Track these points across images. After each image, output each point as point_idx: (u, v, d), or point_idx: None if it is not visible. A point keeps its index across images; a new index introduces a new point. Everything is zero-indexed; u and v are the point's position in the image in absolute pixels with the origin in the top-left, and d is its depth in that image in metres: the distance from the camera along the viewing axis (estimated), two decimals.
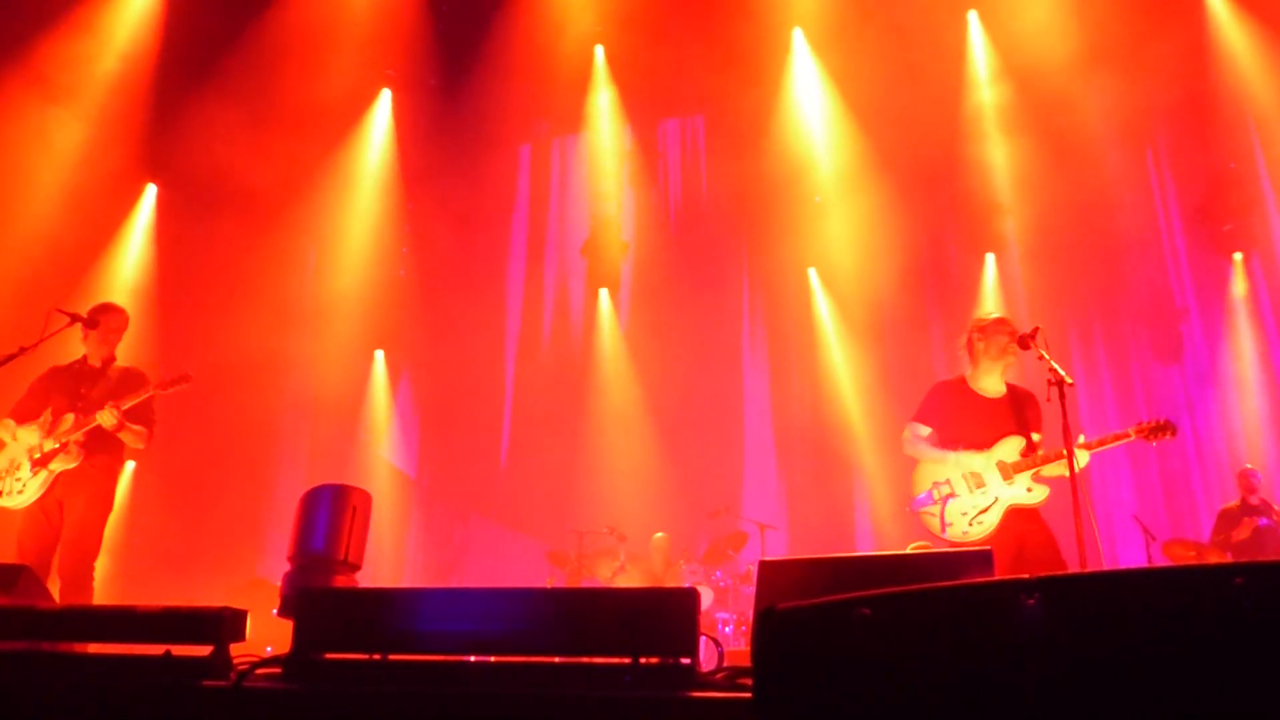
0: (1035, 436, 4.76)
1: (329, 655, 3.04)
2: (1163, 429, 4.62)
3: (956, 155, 10.18)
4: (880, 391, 10.10)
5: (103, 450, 5.37)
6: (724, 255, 11.23)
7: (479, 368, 11.20)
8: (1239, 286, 10.26)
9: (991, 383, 4.95)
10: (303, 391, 10.23)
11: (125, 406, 5.26)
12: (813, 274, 10.84)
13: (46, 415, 5.36)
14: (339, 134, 10.57)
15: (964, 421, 4.81)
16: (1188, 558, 7.54)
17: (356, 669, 3.00)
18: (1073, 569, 4.46)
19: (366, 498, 3.61)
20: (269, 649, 5.31)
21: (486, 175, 11.25)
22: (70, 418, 5.31)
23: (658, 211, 11.58)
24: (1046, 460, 4.63)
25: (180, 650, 2.96)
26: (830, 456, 10.00)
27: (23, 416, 5.42)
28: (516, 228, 12.07)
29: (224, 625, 3.01)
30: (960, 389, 4.97)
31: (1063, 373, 4.59)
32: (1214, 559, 7.47)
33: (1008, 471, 4.66)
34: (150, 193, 10.20)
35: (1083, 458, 4.51)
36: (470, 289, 11.30)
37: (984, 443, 4.75)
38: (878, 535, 9.40)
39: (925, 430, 4.89)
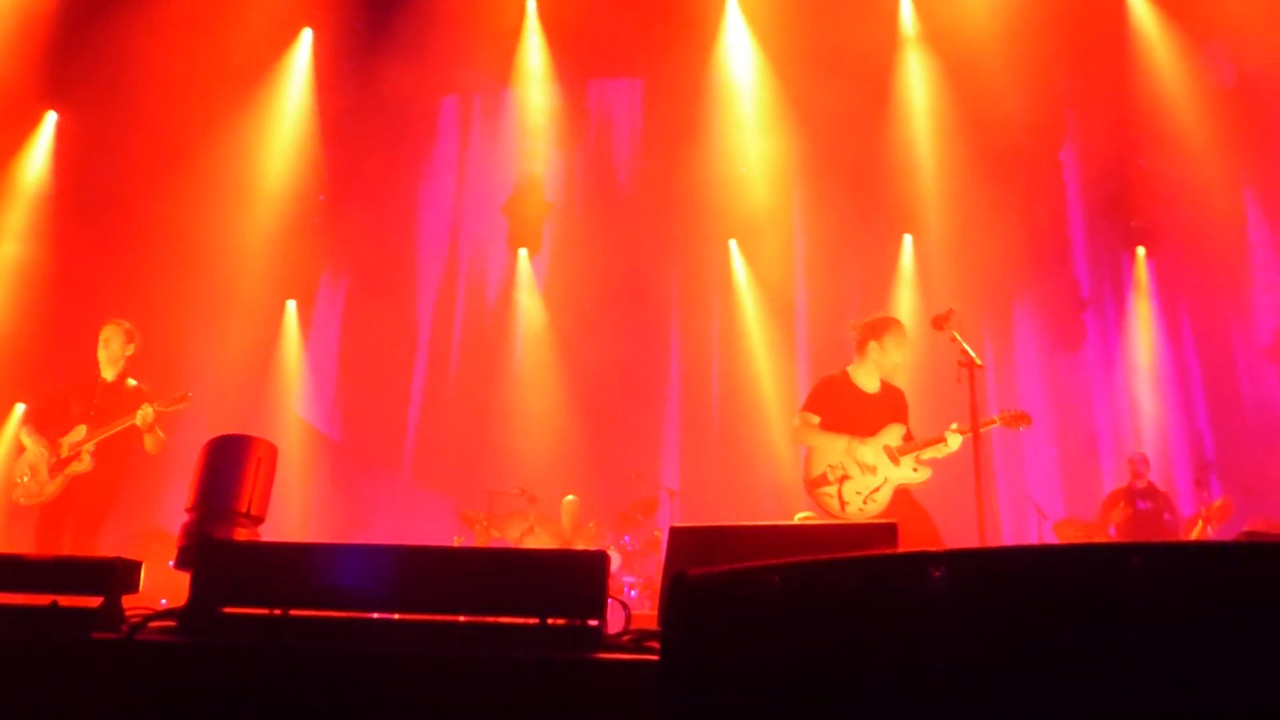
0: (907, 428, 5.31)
1: (227, 609, 2.95)
2: (1021, 418, 5.13)
3: (880, 134, 10.30)
4: (795, 365, 10.25)
5: (110, 458, 6.06)
6: (648, 221, 11.17)
7: (393, 322, 10.99)
8: (1141, 279, 10.67)
9: (871, 379, 5.41)
10: (209, 339, 9.89)
11: (149, 414, 5.88)
12: (733, 245, 10.87)
13: (78, 430, 6.05)
14: (256, 72, 10.16)
15: (849, 412, 5.26)
16: (1075, 537, 7.88)
17: (255, 624, 2.93)
18: (973, 545, 4.61)
19: (272, 450, 3.51)
20: (164, 601, 5.17)
21: (409, 125, 10.98)
22: (83, 428, 6.03)
23: (583, 173, 11.47)
24: (927, 444, 5.12)
25: (70, 601, 2.84)
26: (744, 427, 10.11)
27: (42, 423, 6.20)
28: (437, 181, 11.83)
29: (115, 576, 2.90)
30: (844, 383, 5.42)
31: (973, 354, 4.76)
32: (1099, 539, 7.80)
33: (894, 455, 5.14)
34: (50, 121, 9.69)
35: (955, 441, 5.02)
36: (387, 242, 11.03)
37: (868, 430, 5.20)
38: (786, 506, 9.55)
39: (816, 419, 5.28)
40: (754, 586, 2.18)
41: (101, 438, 5.97)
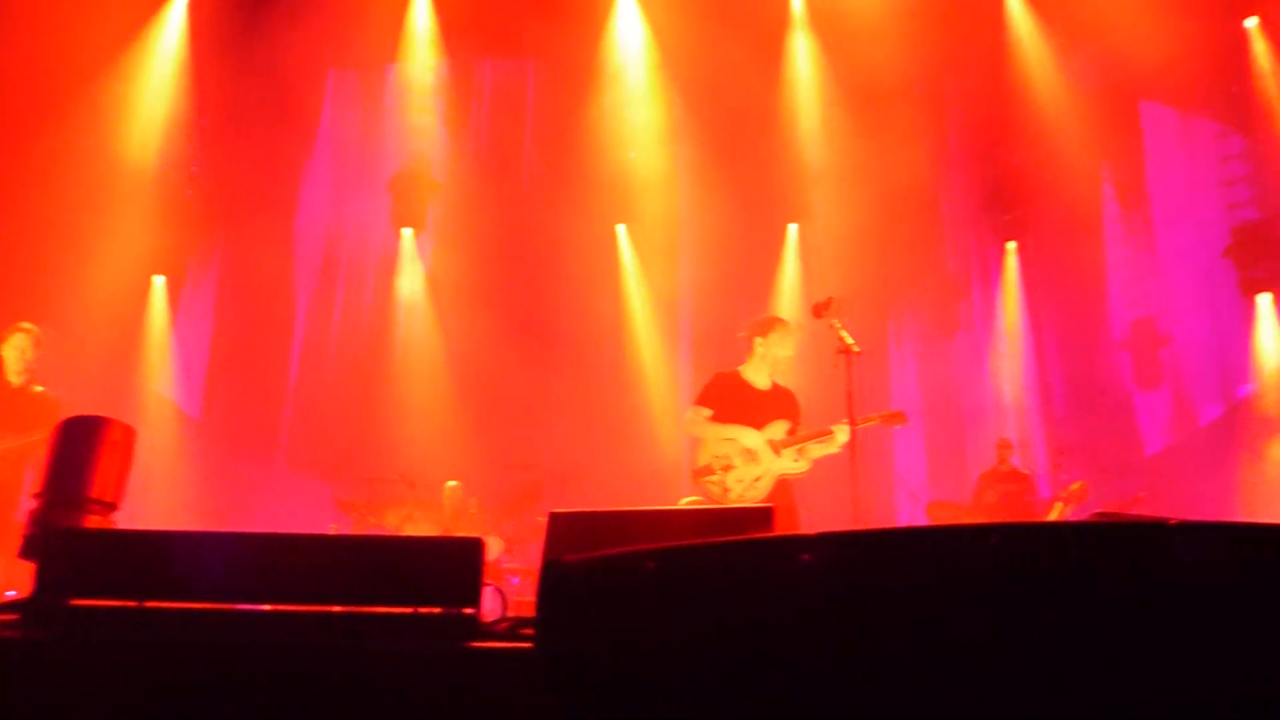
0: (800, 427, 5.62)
1: (77, 601, 2.79)
2: (897, 417, 5.64)
3: (769, 123, 10.44)
4: (679, 352, 10.32)
5: (13, 464, 5.87)
6: (536, 204, 11.07)
7: (269, 301, 10.59)
8: (1010, 271, 11.15)
9: (762, 377, 5.72)
10: (67, 315, 9.33)
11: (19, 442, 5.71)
12: (621, 230, 10.87)
13: None
14: (126, 30, 9.58)
15: (739, 406, 5.56)
16: (947, 519, 8.19)
17: (108, 616, 2.78)
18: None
19: (129, 432, 3.33)
20: (11, 593, 4.87)
21: (292, 96, 10.56)
22: None
23: (472, 153, 11.27)
24: (808, 438, 5.47)
25: None
26: (630, 413, 10.13)
27: None
28: (320, 156, 11.44)
29: None
30: (736, 380, 5.72)
31: (850, 341, 4.90)
32: (970, 520, 8.12)
33: (777, 448, 5.45)
34: None
35: (843, 436, 5.34)
36: (264, 217, 10.59)
37: (756, 425, 5.50)
38: (672, 492, 9.62)
39: (707, 412, 5.59)
40: (627, 573, 2.17)
41: (12, 446, 5.81)
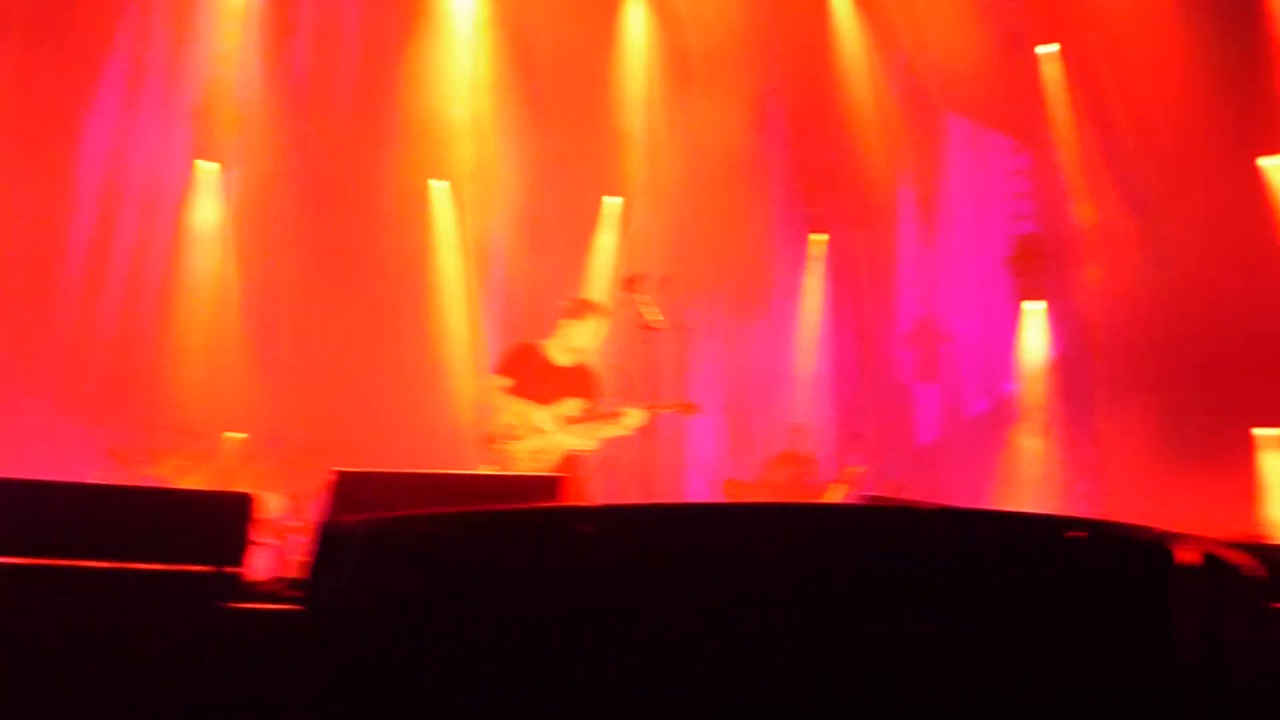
0: (597, 404, 5.71)
1: None
2: (690, 407, 5.80)
3: (597, 88, 10.42)
4: (487, 313, 10.16)
5: None
6: (350, 147, 10.57)
7: (45, 235, 9.64)
8: (815, 261, 11.67)
9: (564, 354, 5.72)
10: None
11: None
12: (436, 183, 10.57)
13: None
14: None
15: (537, 380, 5.57)
16: (739, 498, 8.49)
17: None
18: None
19: None
20: None
21: (78, 12, 9.64)
22: None
23: (287, 87, 10.61)
24: (600, 418, 5.55)
25: None
26: (430, 370, 9.88)
27: None
28: (111, 77, 10.48)
29: None
30: (538, 353, 5.72)
31: (656, 318, 4.99)
32: (759, 500, 8.46)
33: (566, 424, 5.53)
34: None
35: (634, 418, 5.46)
36: (44, 145, 9.61)
37: (546, 399, 5.52)
38: (466, 456, 9.49)
39: (505, 382, 5.59)
40: (402, 536, 2.13)
41: None
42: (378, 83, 10.46)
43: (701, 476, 9.54)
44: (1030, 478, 10.70)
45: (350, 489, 3.26)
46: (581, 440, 5.50)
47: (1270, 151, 10.09)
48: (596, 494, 5.44)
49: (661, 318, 5.18)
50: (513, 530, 2.12)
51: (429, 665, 2.08)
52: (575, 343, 5.69)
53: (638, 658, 2.00)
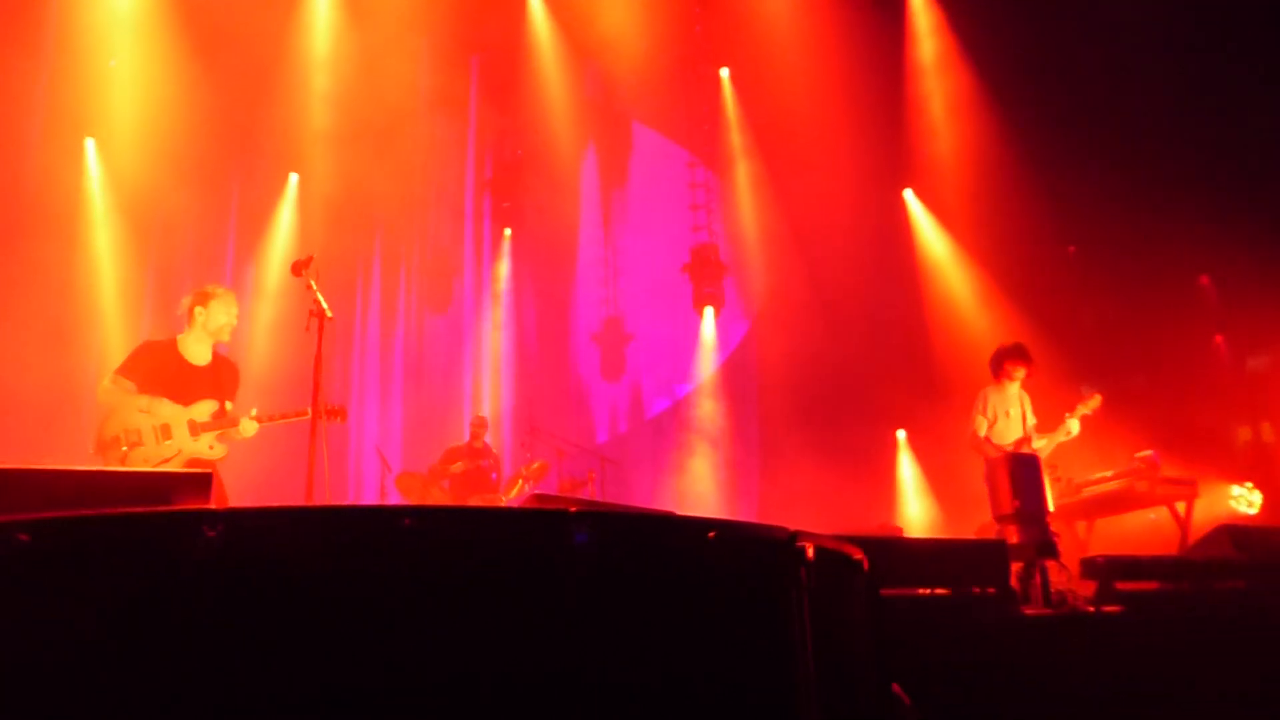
0: (229, 405, 5.24)
1: None
2: (336, 413, 5.23)
3: (279, 59, 9.84)
4: (144, 293, 9.27)
5: None
6: None
7: None
8: (503, 256, 11.74)
9: (200, 351, 5.27)
10: None
11: None
12: (90, 144, 9.49)
13: None
14: None
15: (168, 381, 5.09)
16: (414, 489, 8.33)
17: None
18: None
19: None
20: None
21: None
22: None
23: None
24: (223, 425, 5.12)
25: None
26: (77, 355, 8.81)
27: None
28: None
29: None
30: (169, 350, 5.22)
31: (325, 305, 4.76)
32: (435, 490, 8.35)
33: (196, 429, 5.07)
34: None
35: (249, 428, 5.13)
36: None
37: (182, 401, 5.08)
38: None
39: (129, 384, 5.04)
40: None
41: None
42: (23, 34, 9.23)
43: (379, 469, 9.23)
44: (700, 476, 11.39)
45: None
46: (206, 450, 5.06)
47: (910, 184, 11.45)
48: (255, 489, 5.04)
49: (327, 305, 4.87)
50: (132, 534, 1.92)
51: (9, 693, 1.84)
52: (212, 332, 5.21)
53: (260, 669, 1.88)
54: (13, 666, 1.83)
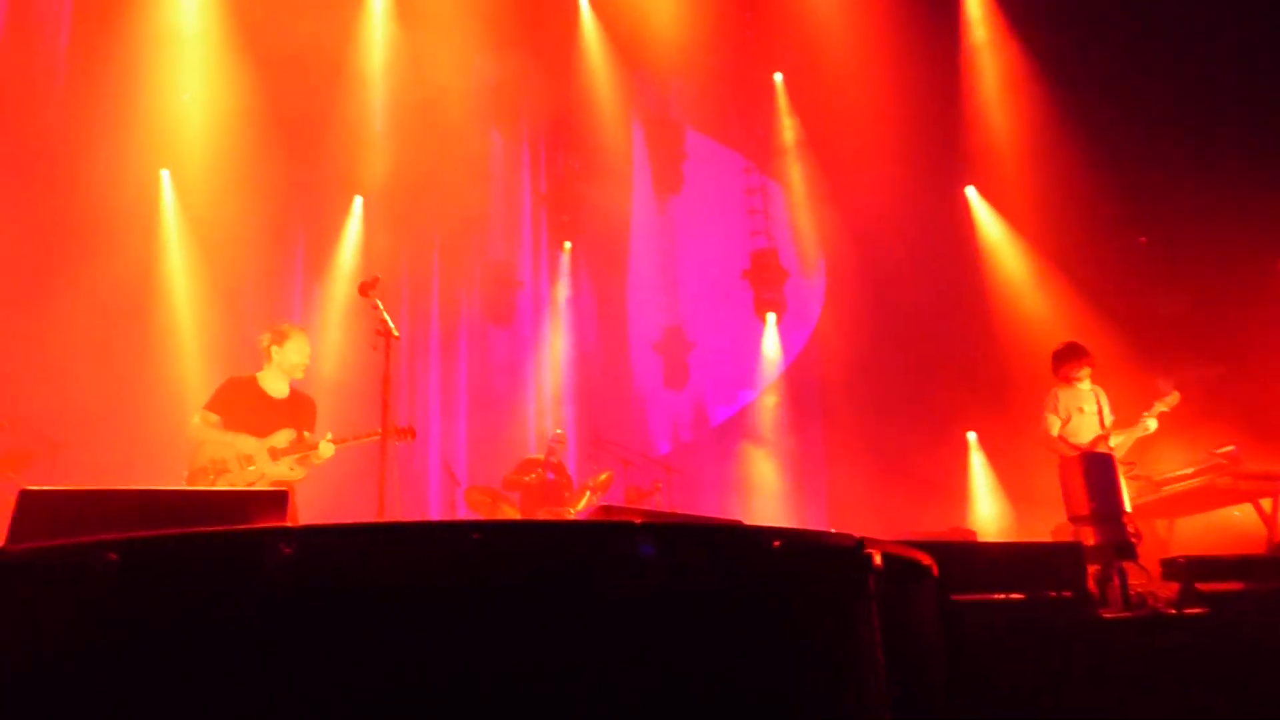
0: (307, 434, 5.60)
1: None
2: (405, 433, 5.65)
3: (337, 92, 10.09)
4: (218, 315, 9.52)
5: None
6: (68, 131, 9.57)
7: None
8: (565, 269, 11.83)
9: (279, 386, 5.68)
10: None
11: None
12: (166, 176, 9.81)
13: None
14: None
15: (249, 414, 5.51)
16: (483, 503, 8.41)
17: None
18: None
19: None
20: None
21: None
22: None
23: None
24: (303, 449, 5.47)
25: None
26: (152, 375, 9.10)
27: None
28: None
29: None
30: (251, 386, 5.64)
31: (391, 324, 4.88)
32: (503, 504, 8.42)
33: (276, 454, 5.45)
34: None
35: (326, 450, 5.46)
36: None
37: (261, 433, 5.47)
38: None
39: (215, 418, 5.49)
40: (85, 564, 1.95)
41: None
42: (99, 65, 9.59)
43: (449, 483, 9.35)
44: (766, 483, 11.34)
45: (37, 510, 2.94)
46: (287, 472, 5.40)
47: (971, 180, 11.28)
48: (322, 508, 5.26)
49: (393, 324, 5.06)
50: (211, 552, 2.00)
51: (95, 707, 1.92)
52: (286, 369, 5.61)
53: (334, 680, 1.93)
54: (105, 676, 1.91)
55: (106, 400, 8.01)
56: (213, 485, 5.19)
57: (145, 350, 8.81)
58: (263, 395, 5.61)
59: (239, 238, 9.80)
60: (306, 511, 5.35)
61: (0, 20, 9.59)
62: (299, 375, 5.72)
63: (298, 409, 5.67)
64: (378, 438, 5.14)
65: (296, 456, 5.45)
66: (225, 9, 9.70)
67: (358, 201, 10.69)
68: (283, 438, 5.48)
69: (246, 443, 5.40)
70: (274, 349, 5.63)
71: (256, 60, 9.62)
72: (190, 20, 9.59)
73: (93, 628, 1.97)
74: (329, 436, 5.48)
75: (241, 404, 5.52)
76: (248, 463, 5.36)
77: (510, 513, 8.42)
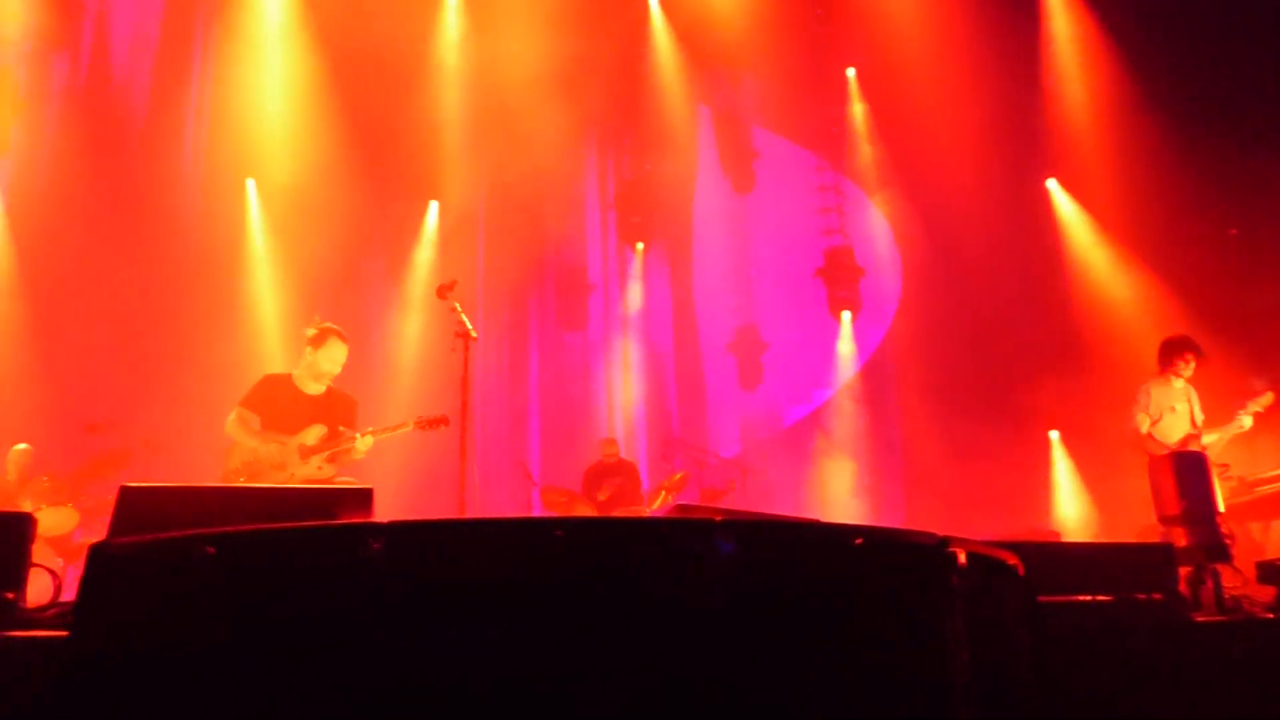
0: (342, 429, 5.57)
1: None
2: (438, 421, 5.55)
3: (416, 92, 10.28)
4: (301, 318, 9.78)
5: None
6: (155, 142, 9.94)
7: None
8: (638, 271, 11.85)
9: (314, 384, 5.67)
10: None
11: None
12: (251, 185, 10.11)
13: None
14: None
15: (282, 411, 5.52)
16: (559, 503, 8.47)
17: None
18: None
19: None
20: None
21: None
22: None
23: (79, 76, 9.90)
24: (333, 446, 5.46)
25: None
26: (237, 375, 9.37)
27: None
28: None
29: None
30: (285, 383, 5.65)
31: (469, 326, 4.95)
32: (580, 505, 8.47)
33: (305, 453, 5.44)
34: None
35: (364, 444, 5.43)
36: None
37: (293, 429, 5.47)
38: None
39: (251, 416, 5.52)
40: (183, 557, 2.02)
41: None
42: (183, 76, 9.95)
43: (524, 482, 9.46)
44: (842, 483, 11.21)
45: (136, 505, 3.06)
46: (316, 470, 5.39)
47: (1053, 174, 11.01)
48: (406, 505, 5.31)
49: (471, 326, 5.11)
50: (302, 546, 2.05)
51: (199, 696, 1.98)
52: (321, 369, 5.59)
53: (438, 675, 1.97)
54: (199, 665, 1.98)
55: (199, 404, 8.27)
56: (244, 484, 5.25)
57: (234, 357, 9.04)
58: (297, 392, 5.62)
59: (320, 243, 10.04)
60: (383, 510, 5.48)
61: (88, 45, 10.01)
62: (326, 383, 5.70)
63: (333, 406, 5.66)
64: (409, 428, 5.24)
65: (326, 454, 5.45)
66: (302, 11, 9.96)
67: (433, 206, 10.88)
68: (313, 434, 5.48)
69: (276, 447, 5.41)
70: (308, 349, 5.65)
71: (333, 63, 9.86)
72: (271, 25, 9.85)
73: (190, 618, 2.04)
74: (369, 430, 5.49)
75: (275, 400, 5.54)
76: (279, 468, 5.38)
77: (587, 511, 8.46)
